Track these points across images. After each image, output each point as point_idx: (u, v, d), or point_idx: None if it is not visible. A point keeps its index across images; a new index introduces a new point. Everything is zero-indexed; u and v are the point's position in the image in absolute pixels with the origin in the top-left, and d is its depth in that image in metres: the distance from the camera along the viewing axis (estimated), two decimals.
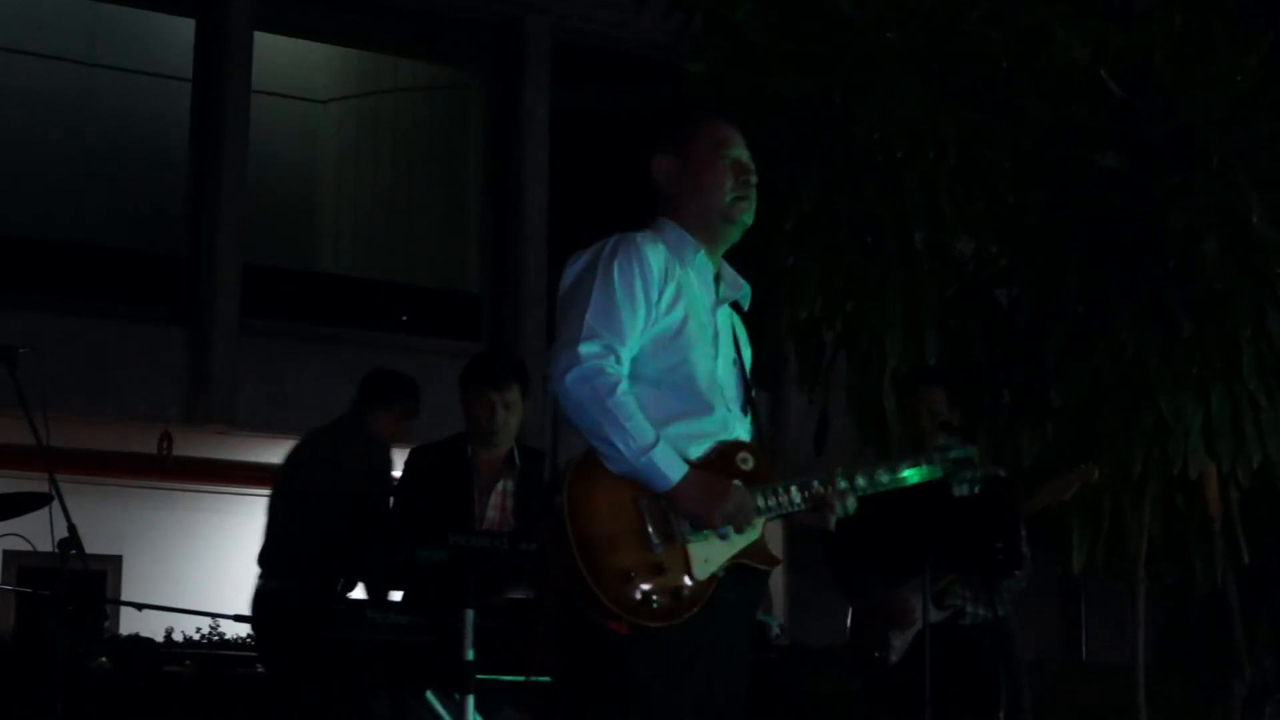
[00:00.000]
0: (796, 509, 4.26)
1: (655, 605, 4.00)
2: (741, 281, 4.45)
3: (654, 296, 4.15)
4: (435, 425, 7.85)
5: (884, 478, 4.41)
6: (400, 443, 7.22)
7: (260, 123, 15.45)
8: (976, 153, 9.35)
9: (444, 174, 17.32)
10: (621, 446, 3.98)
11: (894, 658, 7.08)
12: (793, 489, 4.24)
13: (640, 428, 4.00)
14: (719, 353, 4.30)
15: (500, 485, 6.78)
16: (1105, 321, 9.12)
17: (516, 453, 6.79)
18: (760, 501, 4.17)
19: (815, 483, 4.28)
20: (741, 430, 4.29)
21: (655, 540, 4.03)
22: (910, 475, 4.46)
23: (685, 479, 4.03)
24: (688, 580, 4.06)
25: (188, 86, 15.29)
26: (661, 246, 4.23)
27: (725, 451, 4.20)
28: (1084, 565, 9.79)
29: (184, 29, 15.33)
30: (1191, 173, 9.27)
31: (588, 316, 4.07)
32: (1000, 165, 9.32)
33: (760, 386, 11.45)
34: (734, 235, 4.40)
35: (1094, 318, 9.18)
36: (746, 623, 4.34)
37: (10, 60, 15.77)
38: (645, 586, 4.00)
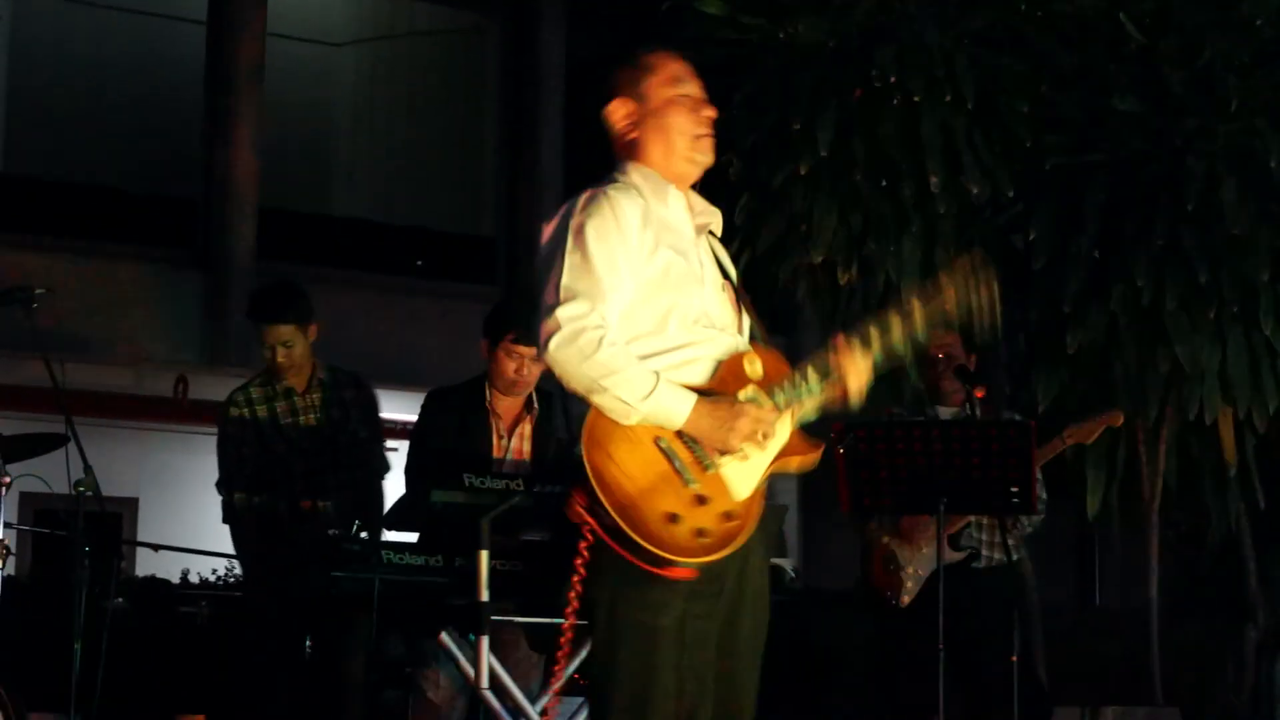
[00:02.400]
0: (818, 389, 4.22)
1: (708, 538, 3.98)
2: (713, 208, 4.41)
3: (631, 245, 4.10)
4: (450, 366, 7.86)
5: (889, 329, 4.35)
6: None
7: (275, 66, 15.42)
8: (994, 96, 9.31)
9: (459, 117, 17.28)
10: (625, 396, 3.96)
11: (906, 599, 7.09)
12: (809, 371, 4.21)
13: (637, 374, 3.98)
14: (706, 282, 4.27)
15: (520, 429, 6.78)
16: (1122, 266, 9.10)
17: (534, 396, 6.78)
18: (780, 398, 4.16)
19: (825, 355, 4.25)
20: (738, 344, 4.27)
21: (688, 475, 4.00)
22: (895, 325, 4.39)
23: (696, 410, 4.01)
24: (731, 503, 4.05)
25: (203, 30, 15.26)
26: (634, 192, 4.17)
27: (732, 363, 4.17)
28: (1098, 511, 9.79)
29: None
30: (1211, 117, 9.24)
31: (564, 279, 4.02)
32: (1018, 109, 9.29)
33: (775, 331, 11.42)
34: (695, 175, 4.35)
35: (1111, 263, 9.16)
36: (765, 560, 4.34)
37: (26, 5, 15.74)
38: (693, 523, 3.98)
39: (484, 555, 5.79)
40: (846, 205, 9.39)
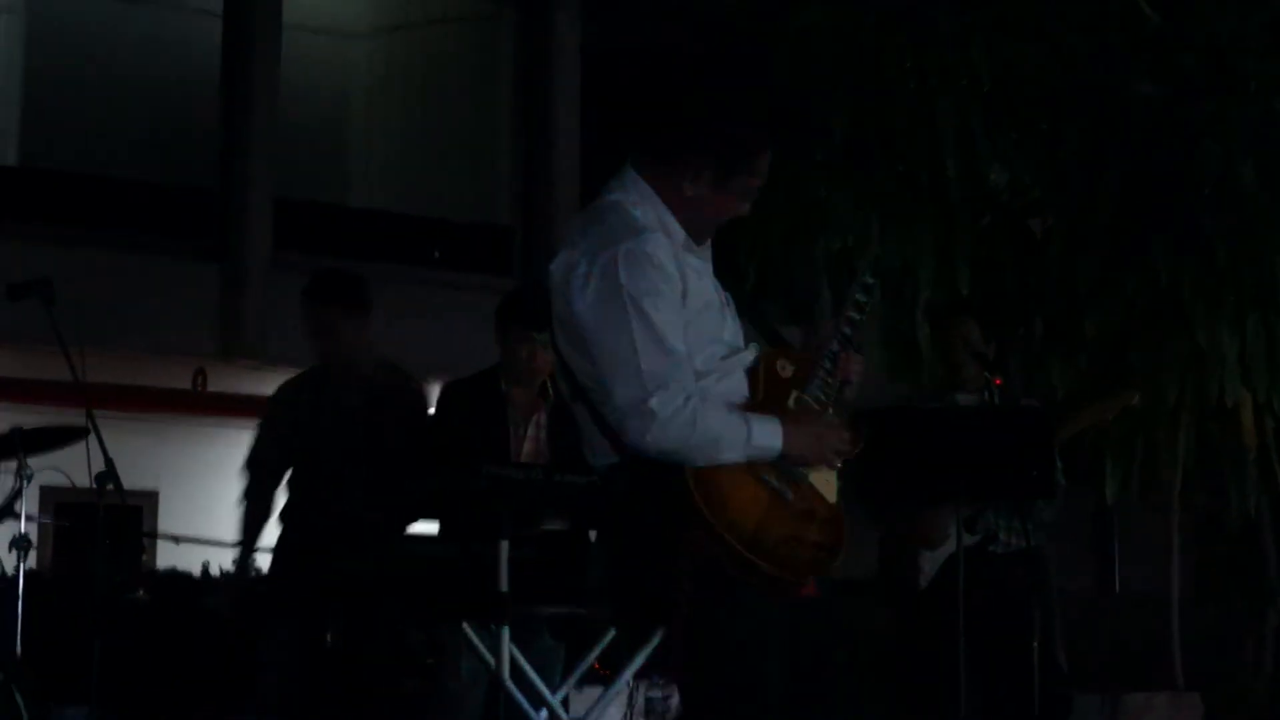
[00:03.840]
0: (842, 381, 4.30)
1: (824, 550, 4.11)
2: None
3: (677, 299, 4.07)
4: (467, 357, 7.84)
5: (861, 298, 4.38)
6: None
7: (291, 57, 15.41)
8: (1010, 82, 9.30)
9: (476, 107, 17.25)
10: (730, 455, 4.03)
11: (923, 582, 7.08)
12: (826, 363, 4.27)
13: (732, 430, 4.04)
14: (723, 306, 4.28)
15: (535, 418, 6.77)
16: (1139, 251, 9.08)
17: (549, 384, 6.77)
18: (822, 395, 4.24)
19: (834, 344, 4.29)
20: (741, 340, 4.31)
21: (789, 495, 4.09)
22: (870, 280, 4.43)
23: (787, 439, 4.09)
24: (829, 510, 4.16)
25: (220, 21, 15.26)
26: (660, 237, 4.11)
27: (767, 371, 4.21)
28: (1118, 495, 9.78)
29: None
30: (1227, 99, 9.21)
31: (644, 365, 3.99)
32: (1034, 94, 9.27)
33: (793, 319, 11.49)
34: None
35: (1128, 248, 9.14)
36: None
37: None
38: (809, 538, 4.09)
39: (504, 545, 5.80)
40: (862, 192, 9.39)
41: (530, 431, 6.75)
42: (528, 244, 16.02)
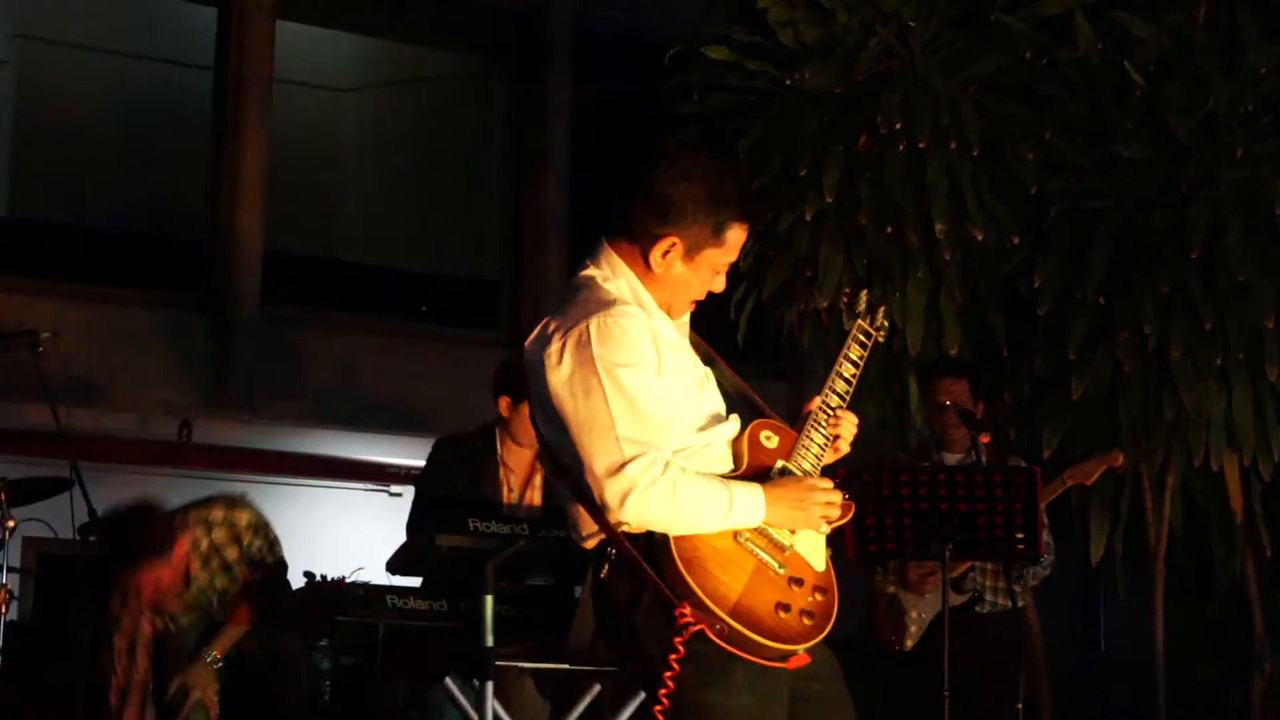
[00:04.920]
0: (825, 449, 4.29)
1: (812, 618, 4.09)
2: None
3: (653, 369, 4.09)
4: (454, 411, 7.86)
5: (848, 371, 4.39)
6: None
7: (282, 111, 15.44)
8: (999, 142, 9.33)
9: (465, 162, 17.29)
10: (710, 524, 4.02)
11: (910, 643, 7.08)
12: (815, 435, 4.28)
13: (713, 498, 4.03)
14: (702, 383, 4.28)
15: (533, 480, 6.77)
16: (1127, 312, 9.10)
17: None
18: (808, 466, 4.23)
19: (822, 417, 4.31)
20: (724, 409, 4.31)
21: (775, 564, 4.09)
22: (857, 355, 4.43)
23: (769, 507, 4.10)
24: (817, 578, 4.15)
25: (210, 75, 15.29)
26: (634, 310, 4.14)
27: (751, 442, 4.22)
28: (1102, 556, 9.77)
29: (206, 17, 15.33)
30: (1216, 164, 9.25)
31: (620, 432, 3.99)
32: (1023, 155, 9.30)
33: (780, 375, 11.45)
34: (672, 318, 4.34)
35: (1116, 308, 9.15)
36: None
37: (32, 47, 15.78)
38: (797, 605, 4.07)
39: (489, 600, 5.78)
40: (852, 250, 9.40)
41: (526, 495, 6.74)
42: (515, 299, 16.03)
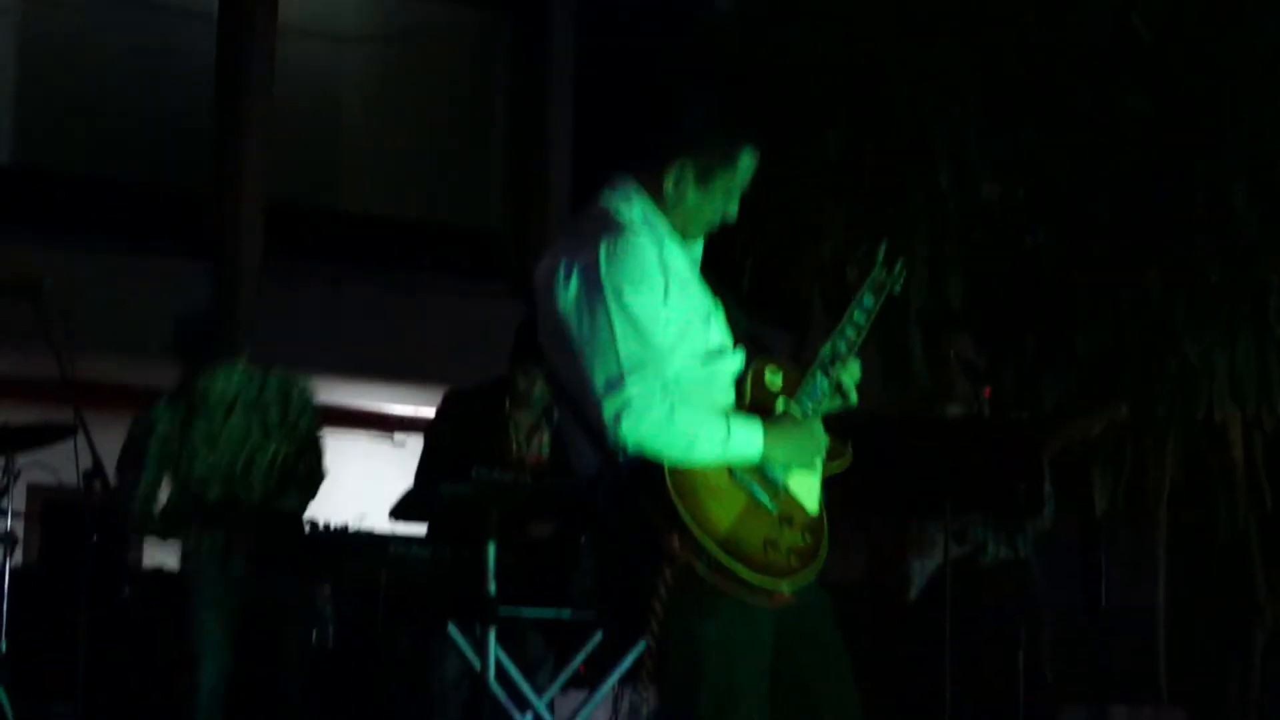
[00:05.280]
0: (830, 394, 4.28)
1: (800, 556, 4.07)
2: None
3: (661, 292, 4.07)
4: (457, 362, 7.86)
5: (859, 317, 4.38)
6: None
7: (286, 62, 15.41)
8: (1003, 96, 9.32)
9: (469, 114, 17.27)
10: (706, 455, 4.00)
11: (913, 593, 7.10)
12: (818, 376, 4.27)
13: (711, 429, 4.02)
14: (710, 312, 4.28)
15: (538, 437, 6.78)
16: (1132, 267, 9.10)
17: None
18: (809, 406, 4.22)
19: (827, 357, 4.29)
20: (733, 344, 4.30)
21: (768, 501, 4.08)
22: (870, 301, 4.43)
23: (766, 444, 4.08)
24: (809, 518, 4.14)
25: (214, 25, 15.26)
26: (647, 232, 4.14)
27: (755, 378, 4.22)
28: (1105, 510, 9.79)
29: None
30: (1221, 120, 9.23)
31: (621, 351, 3.98)
32: (1028, 110, 9.29)
33: (784, 328, 11.51)
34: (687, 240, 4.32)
35: (1121, 263, 9.16)
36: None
37: None
38: (786, 543, 4.06)
39: (491, 547, 5.80)
40: (857, 205, 9.40)
41: (533, 449, 6.75)
42: (519, 250, 16.03)
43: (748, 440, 4.07)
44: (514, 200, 16.39)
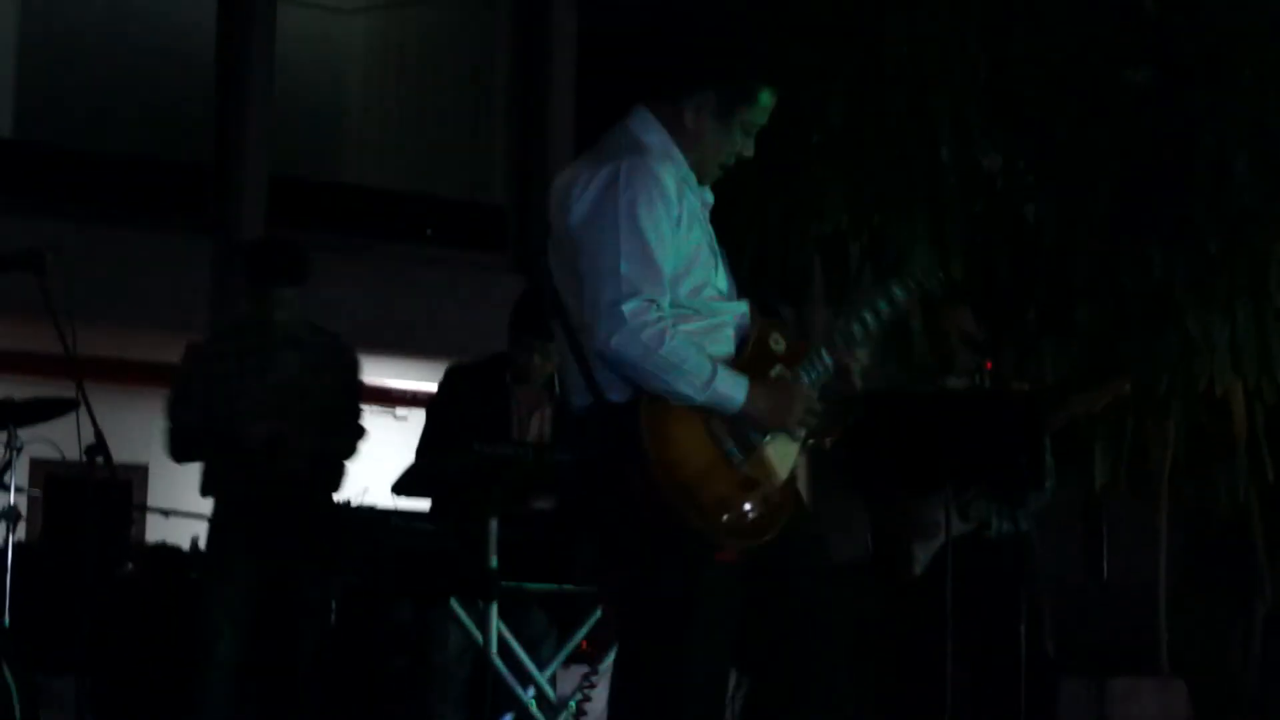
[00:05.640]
0: (831, 372, 4.26)
1: (753, 521, 4.05)
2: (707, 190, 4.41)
3: (674, 221, 4.08)
4: (459, 335, 7.86)
5: (883, 306, 4.37)
6: None
7: (286, 33, 15.39)
8: (1004, 69, 9.30)
9: (470, 85, 17.23)
10: (686, 390, 3.98)
11: (917, 569, 7.10)
12: (823, 352, 4.25)
13: (697, 365, 3.99)
14: (717, 260, 4.28)
15: (539, 413, 6.78)
16: (1133, 240, 9.09)
17: (556, 379, 6.76)
18: (806, 377, 4.20)
19: (837, 336, 4.28)
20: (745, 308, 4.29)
21: (738, 457, 4.06)
22: (900, 294, 4.43)
23: (751, 393, 4.05)
24: (775, 486, 4.11)
25: None
26: (669, 164, 4.15)
27: (758, 338, 4.20)
28: (1107, 483, 9.80)
29: None
30: (1223, 90, 9.22)
31: (624, 269, 3.98)
32: (1029, 81, 9.27)
33: (785, 300, 11.50)
34: (700, 180, 4.32)
35: (1122, 236, 9.15)
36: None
37: None
38: (742, 505, 4.05)
39: (493, 523, 5.81)
40: (857, 177, 9.39)
41: (535, 424, 6.75)
42: (521, 222, 16.01)
43: (731, 388, 4.03)
44: (516, 173, 16.37)
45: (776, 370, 4.19)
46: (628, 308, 3.95)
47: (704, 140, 4.24)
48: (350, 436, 6.91)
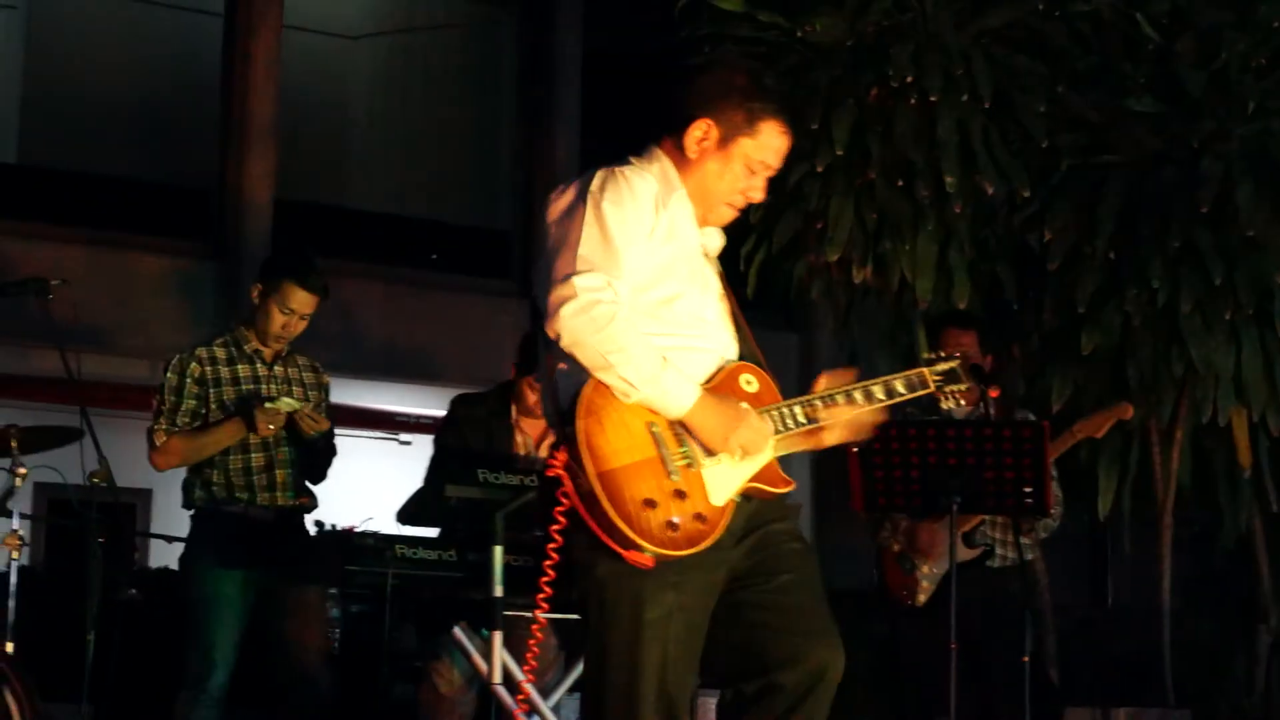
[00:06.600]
0: (800, 428, 4.23)
1: (677, 532, 3.97)
2: (717, 230, 4.40)
3: (645, 223, 4.09)
4: (464, 361, 7.87)
5: (880, 393, 4.37)
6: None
7: (292, 59, 15.43)
8: (1011, 95, 9.31)
9: (475, 111, 17.29)
10: (630, 375, 3.94)
11: (923, 598, 7.09)
12: (796, 409, 4.23)
13: (645, 355, 3.96)
14: (709, 290, 4.27)
15: (547, 441, 6.79)
16: (1137, 267, 9.09)
17: None
18: (772, 422, 4.17)
19: (817, 401, 4.26)
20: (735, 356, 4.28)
21: (672, 466, 4.00)
22: (903, 389, 4.43)
23: (699, 403, 4.02)
24: (706, 506, 4.04)
25: (221, 21, 15.28)
26: (650, 178, 4.16)
27: (731, 372, 4.19)
28: (1110, 511, 9.79)
29: None
30: (1227, 118, 9.22)
31: (581, 249, 3.99)
32: (1034, 108, 9.28)
33: (789, 328, 11.45)
34: (708, 221, 4.34)
35: (1126, 263, 9.15)
36: (794, 539, 4.33)
37: None
38: (667, 514, 3.97)
39: (498, 550, 5.81)
40: (862, 203, 9.39)
41: (540, 452, 6.76)
42: (526, 248, 16.04)
43: (680, 389, 4.00)
44: (522, 198, 16.40)
45: (746, 408, 4.14)
46: (581, 281, 3.95)
47: (705, 169, 4.25)
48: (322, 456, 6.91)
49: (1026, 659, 6.85)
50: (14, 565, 6.79)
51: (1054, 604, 7.71)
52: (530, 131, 16.42)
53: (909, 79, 9.11)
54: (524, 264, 15.99)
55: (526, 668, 4.55)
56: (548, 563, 4.05)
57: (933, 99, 9.12)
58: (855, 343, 10.26)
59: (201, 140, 15.13)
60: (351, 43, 17.23)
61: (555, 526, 4.02)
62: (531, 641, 4.29)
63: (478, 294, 15.50)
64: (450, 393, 7.15)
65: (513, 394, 6.80)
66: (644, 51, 12.31)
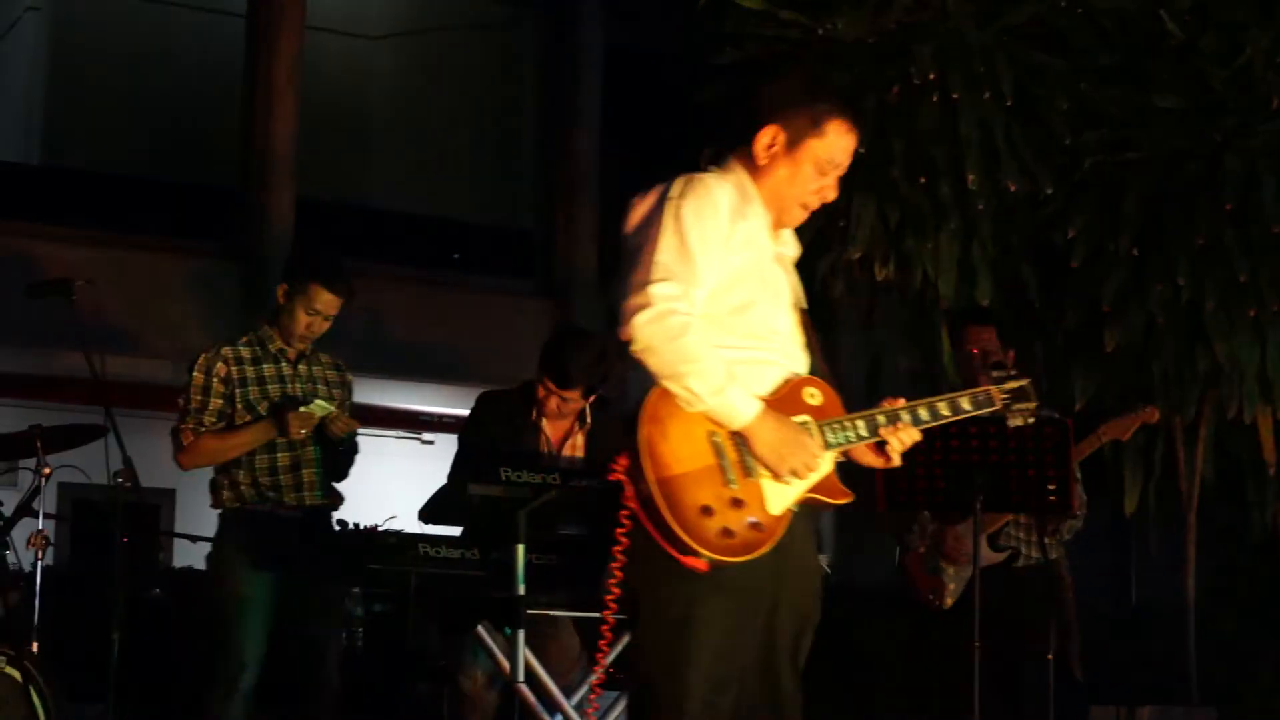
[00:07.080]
0: (859, 442, 4.25)
1: (733, 539, 4.01)
2: (792, 238, 4.45)
3: (723, 232, 4.13)
4: (486, 360, 7.86)
5: (945, 410, 4.38)
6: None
7: (314, 59, 15.45)
8: (1033, 93, 9.29)
9: (497, 110, 17.30)
10: (696, 386, 3.99)
11: (950, 600, 7.07)
12: (859, 423, 4.25)
13: (714, 368, 4.00)
14: (783, 301, 4.30)
15: (571, 440, 6.78)
16: (1161, 264, 9.08)
17: (588, 410, 6.78)
18: (830, 436, 4.19)
19: (881, 417, 4.27)
20: (804, 369, 4.30)
21: (731, 475, 4.04)
22: (969, 407, 4.44)
23: (760, 418, 4.05)
24: (763, 514, 4.07)
25: (243, 22, 15.30)
26: (729, 187, 4.20)
27: (795, 385, 4.21)
28: (1136, 509, 9.77)
29: None
30: (1251, 115, 9.20)
31: (659, 256, 4.03)
32: (1057, 106, 9.26)
33: (812, 326, 11.36)
34: (780, 225, 4.38)
35: (1150, 261, 9.13)
36: (812, 556, 4.38)
37: None
38: (723, 521, 4.01)
39: (520, 549, 5.81)
40: (885, 201, 9.39)
41: (567, 454, 6.76)
42: (548, 247, 16.04)
43: (742, 403, 4.04)
44: (543, 198, 16.40)
45: (801, 419, 4.18)
46: (658, 290, 3.99)
47: (776, 175, 4.30)
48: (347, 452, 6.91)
49: (1051, 657, 6.83)
50: (39, 565, 6.81)
51: (1078, 602, 7.66)
52: (552, 130, 16.41)
53: (931, 76, 9.11)
54: (545, 263, 16.00)
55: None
56: (613, 564, 4.07)
57: (955, 96, 9.11)
58: (878, 342, 10.25)
59: (224, 141, 15.15)
60: (373, 43, 17.25)
61: (619, 530, 4.04)
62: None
63: (500, 293, 15.51)
64: (473, 392, 7.13)
65: (534, 397, 6.79)
66: (666, 51, 12.30)
